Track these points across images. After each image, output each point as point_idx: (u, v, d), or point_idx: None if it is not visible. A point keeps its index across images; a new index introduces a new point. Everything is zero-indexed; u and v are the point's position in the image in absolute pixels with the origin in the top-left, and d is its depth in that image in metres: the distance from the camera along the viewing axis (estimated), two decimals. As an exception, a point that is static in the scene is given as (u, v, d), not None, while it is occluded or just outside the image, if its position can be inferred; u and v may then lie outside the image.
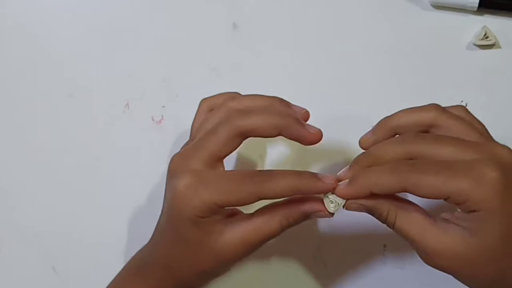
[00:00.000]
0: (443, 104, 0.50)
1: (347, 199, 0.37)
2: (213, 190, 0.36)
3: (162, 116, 0.50)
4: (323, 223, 0.49)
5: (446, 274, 0.36)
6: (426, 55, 0.50)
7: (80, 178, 0.50)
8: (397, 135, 0.39)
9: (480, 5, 0.49)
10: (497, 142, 0.37)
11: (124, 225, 0.50)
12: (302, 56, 0.51)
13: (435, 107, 0.38)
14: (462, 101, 0.50)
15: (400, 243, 0.41)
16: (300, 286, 0.50)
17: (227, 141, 0.37)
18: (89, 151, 0.50)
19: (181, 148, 0.41)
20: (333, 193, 0.37)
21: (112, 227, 0.50)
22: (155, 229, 0.41)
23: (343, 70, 0.50)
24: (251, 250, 0.38)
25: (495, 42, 0.50)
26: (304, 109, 0.40)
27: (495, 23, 0.50)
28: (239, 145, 0.38)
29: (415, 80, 0.50)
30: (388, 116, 0.40)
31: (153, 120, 0.51)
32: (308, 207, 0.38)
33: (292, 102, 0.50)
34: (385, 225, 0.37)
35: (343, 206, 0.37)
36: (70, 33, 0.51)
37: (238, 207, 0.39)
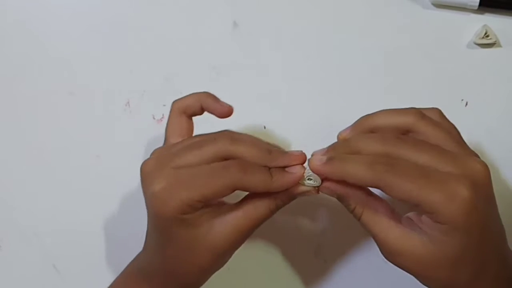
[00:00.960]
0: (443, 103, 0.50)
1: (322, 178, 0.38)
2: (189, 188, 0.36)
3: (163, 115, 0.50)
4: (323, 221, 0.50)
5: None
6: (427, 53, 0.50)
7: (81, 176, 0.50)
8: (378, 133, 0.39)
9: (480, 4, 0.49)
10: (473, 153, 0.38)
11: (125, 223, 0.50)
12: (302, 55, 0.51)
13: (415, 112, 0.39)
14: (462, 99, 0.50)
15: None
16: (301, 282, 0.50)
17: (210, 160, 0.37)
18: (89, 149, 0.50)
19: (153, 152, 0.41)
20: (309, 177, 0.38)
21: (112, 225, 0.50)
22: (146, 235, 0.41)
23: (344, 68, 0.50)
24: (243, 236, 0.38)
25: (495, 41, 0.50)
26: (297, 156, 0.39)
27: (496, 22, 0.50)
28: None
29: (415, 78, 0.50)
30: (368, 115, 0.40)
31: (153, 118, 0.51)
32: (293, 188, 0.38)
33: (293, 101, 0.51)
34: None
35: (318, 187, 0.38)
36: (71, 31, 0.51)
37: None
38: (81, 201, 0.50)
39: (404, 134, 0.39)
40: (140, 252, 0.42)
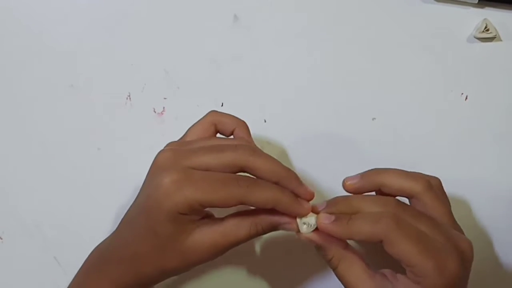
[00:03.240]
0: (443, 97, 0.50)
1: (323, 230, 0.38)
2: (198, 188, 0.36)
3: (164, 108, 0.51)
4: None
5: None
6: (427, 47, 0.50)
7: (82, 168, 0.50)
8: (380, 196, 0.41)
9: (481, -3, 0.49)
10: (461, 230, 0.41)
11: (126, 216, 0.50)
12: (302, 49, 0.51)
13: (423, 181, 0.40)
14: (462, 93, 0.50)
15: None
16: (300, 283, 0.50)
17: (226, 166, 0.38)
18: (90, 142, 0.50)
19: (168, 145, 0.41)
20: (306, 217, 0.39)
21: (113, 217, 0.50)
22: (121, 221, 0.41)
23: (344, 62, 0.51)
24: (217, 252, 0.39)
25: (495, 35, 0.50)
26: (309, 190, 0.40)
27: (496, 16, 0.50)
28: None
29: (415, 72, 0.50)
30: (378, 170, 0.41)
31: (154, 111, 0.51)
32: (277, 218, 0.39)
33: (292, 95, 0.51)
34: None
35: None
36: (72, 24, 0.51)
37: (212, 211, 0.40)
38: (82, 194, 0.50)
39: (407, 197, 0.41)
40: (107, 238, 0.42)
